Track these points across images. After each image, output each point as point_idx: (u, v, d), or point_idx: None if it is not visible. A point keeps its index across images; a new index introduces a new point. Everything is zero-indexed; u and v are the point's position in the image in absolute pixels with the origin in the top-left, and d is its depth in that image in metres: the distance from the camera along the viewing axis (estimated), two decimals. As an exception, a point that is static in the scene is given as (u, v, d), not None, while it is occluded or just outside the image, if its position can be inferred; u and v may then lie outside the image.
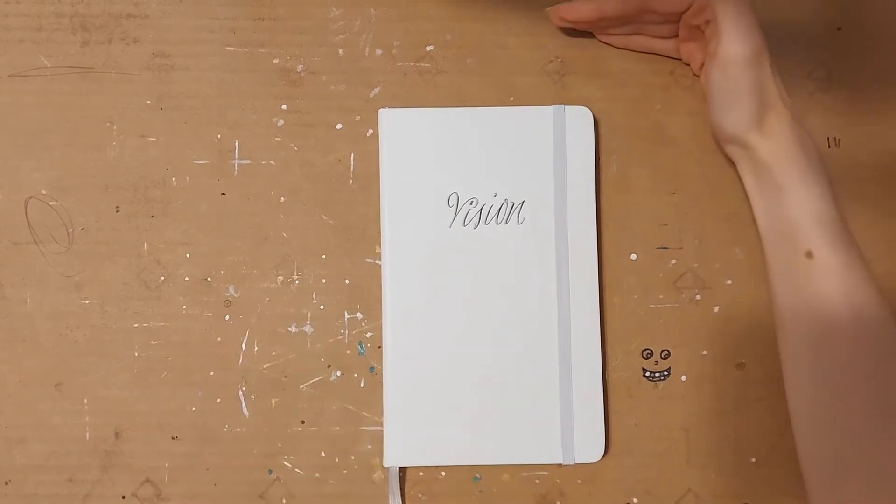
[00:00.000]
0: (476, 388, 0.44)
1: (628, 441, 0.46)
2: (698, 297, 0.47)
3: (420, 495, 0.46)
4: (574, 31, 0.48)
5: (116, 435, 0.46)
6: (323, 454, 0.46)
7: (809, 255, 0.40)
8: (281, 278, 0.47)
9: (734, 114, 0.42)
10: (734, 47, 0.40)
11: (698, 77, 0.47)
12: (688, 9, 0.43)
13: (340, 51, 0.48)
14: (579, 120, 0.46)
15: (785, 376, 0.41)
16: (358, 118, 0.47)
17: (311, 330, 0.46)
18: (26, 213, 0.47)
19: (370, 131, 0.47)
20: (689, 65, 0.47)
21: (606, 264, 0.47)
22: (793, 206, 0.41)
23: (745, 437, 0.46)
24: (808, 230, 0.40)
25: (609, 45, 0.47)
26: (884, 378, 0.38)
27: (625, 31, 0.46)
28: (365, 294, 0.47)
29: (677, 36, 0.46)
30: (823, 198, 0.40)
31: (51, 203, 0.47)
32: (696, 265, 0.47)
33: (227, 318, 0.46)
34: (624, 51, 0.48)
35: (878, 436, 0.37)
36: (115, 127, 0.47)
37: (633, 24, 0.46)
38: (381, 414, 0.45)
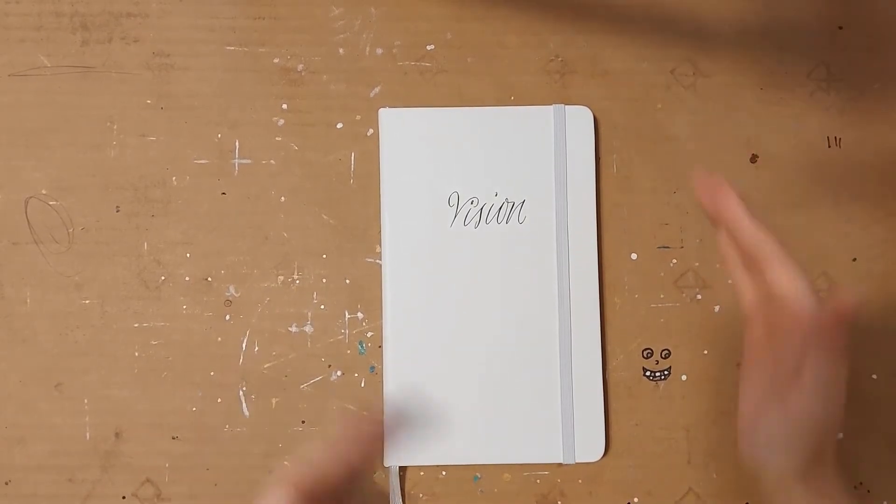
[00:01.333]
0: (476, 388, 0.44)
1: (629, 441, 0.46)
2: (699, 296, 0.47)
3: (421, 495, 0.46)
4: (574, 30, 0.48)
5: (116, 435, 0.46)
6: (323, 454, 0.46)
7: None
8: (281, 278, 0.47)
9: (783, 458, 0.35)
10: (816, 410, 0.34)
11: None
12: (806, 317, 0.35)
13: (341, 50, 0.48)
14: (580, 119, 0.46)
15: None
16: (358, 118, 0.47)
17: (312, 330, 0.46)
18: (26, 212, 0.46)
19: (370, 131, 0.47)
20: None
21: (607, 264, 0.47)
22: None
23: (746, 437, 0.46)
24: None
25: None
26: None
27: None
28: (365, 294, 0.46)
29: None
30: None
31: (51, 203, 0.47)
32: (696, 264, 0.47)
33: (227, 317, 0.46)
34: (624, 50, 0.48)
35: None
36: (115, 126, 0.47)
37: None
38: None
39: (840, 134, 0.48)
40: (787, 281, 0.35)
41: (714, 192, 0.36)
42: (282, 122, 0.47)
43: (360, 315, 0.47)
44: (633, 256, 0.47)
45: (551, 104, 0.46)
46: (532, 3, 0.48)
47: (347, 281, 0.47)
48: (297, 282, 0.47)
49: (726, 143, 0.48)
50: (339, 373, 0.46)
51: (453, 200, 0.45)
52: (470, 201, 0.45)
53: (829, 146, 0.48)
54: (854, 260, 0.47)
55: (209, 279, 0.46)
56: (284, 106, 0.47)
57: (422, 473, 0.46)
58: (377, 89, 0.47)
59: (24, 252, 0.46)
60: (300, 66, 0.47)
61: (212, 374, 0.46)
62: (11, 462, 0.46)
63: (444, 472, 0.46)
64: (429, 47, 0.48)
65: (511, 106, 0.46)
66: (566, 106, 0.46)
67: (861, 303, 0.34)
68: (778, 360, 0.36)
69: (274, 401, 0.46)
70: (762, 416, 0.36)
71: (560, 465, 0.46)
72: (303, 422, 0.46)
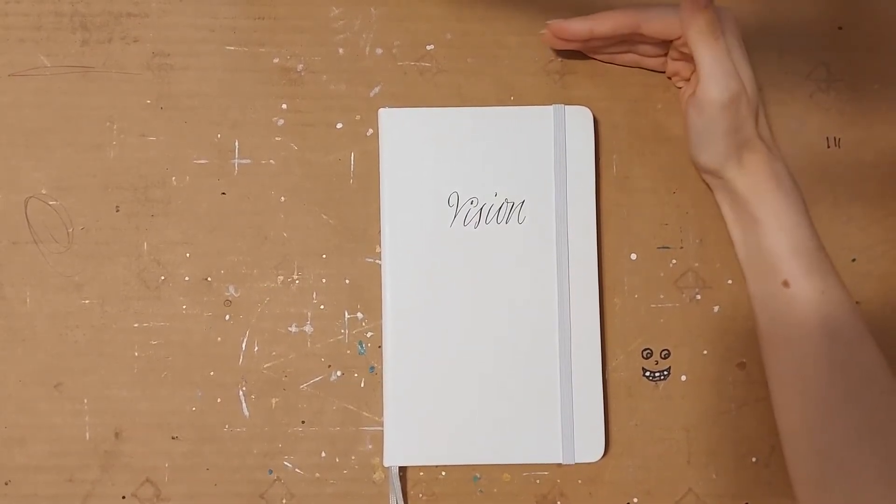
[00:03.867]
0: (476, 388, 0.44)
1: (628, 441, 0.46)
2: (699, 296, 0.47)
3: (420, 495, 0.46)
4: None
5: (116, 435, 0.46)
6: (323, 454, 0.46)
7: (786, 284, 0.41)
8: (281, 278, 0.47)
9: (710, 151, 0.43)
10: (711, 92, 0.41)
11: (679, 89, 0.47)
12: (679, 37, 0.43)
13: (341, 50, 0.48)
14: (579, 119, 0.46)
15: (771, 395, 0.43)
16: (358, 117, 0.47)
17: (312, 330, 0.46)
18: (26, 213, 0.46)
19: (370, 131, 0.47)
20: (670, 78, 0.47)
21: (607, 264, 0.47)
22: (769, 238, 0.42)
23: (746, 437, 0.46)
24: (784, 260, 0.41)
25: (596, 59, 0.47)
26: (863, 401, 0.40)
27: (614, 50, 0.46)
28: (365, 294, 0.46)
29: (665, 54, 0.46)
30: (799, 226, 0.41)
31: (51, 203, 0.47)
32: (696, 264, 0.47)
33: (227, 317, 0.46)
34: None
35: (859, 455, 0.39)
36: (115, 126, 0.47)
37: (623, 44, 0.46)
38: (382, 414, 0.45)
39: (840, 134, 0.48)
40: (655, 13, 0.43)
41: (566, 30, 0.44)
42: (282, 122, 0.47)
43: (360, 315, 0.47)
44: (633, 256, 0.47)
45: (551, 104, 0.46)
46: (532, 3, 0.48)
47: (347, 281, 0.47)
48: (297, 282, 0.47)
49: (726, 144, 0.47)
50: (338, 373, 0.46)
51: (453, 200, 0.45)
52: (470, 201, 0.45)
53: (829, 146, 0.48)
54: (854, 260, 0.47)
55: (209, 279, 0.46)
56: (284, 106, 0.47)
57: (422, 473, 0.46)
58: (377, 89, 0.47)
59: (23, 252, 0.46)
60: (300, 66, 0.47)
61: (212, 374, 0.46)
62: (11, 462, 0.46)
63: (443, 473, 0.46)
64: (429, 47, 0.48)
65: (511, 106, 0.46)
66: (566, 106, 0.46)
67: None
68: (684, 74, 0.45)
69: (274, 401, 0.46)
70: (687, 123, 0.43)
71: (560, 465, 0.46)
72: (303, 422, 0.46)
